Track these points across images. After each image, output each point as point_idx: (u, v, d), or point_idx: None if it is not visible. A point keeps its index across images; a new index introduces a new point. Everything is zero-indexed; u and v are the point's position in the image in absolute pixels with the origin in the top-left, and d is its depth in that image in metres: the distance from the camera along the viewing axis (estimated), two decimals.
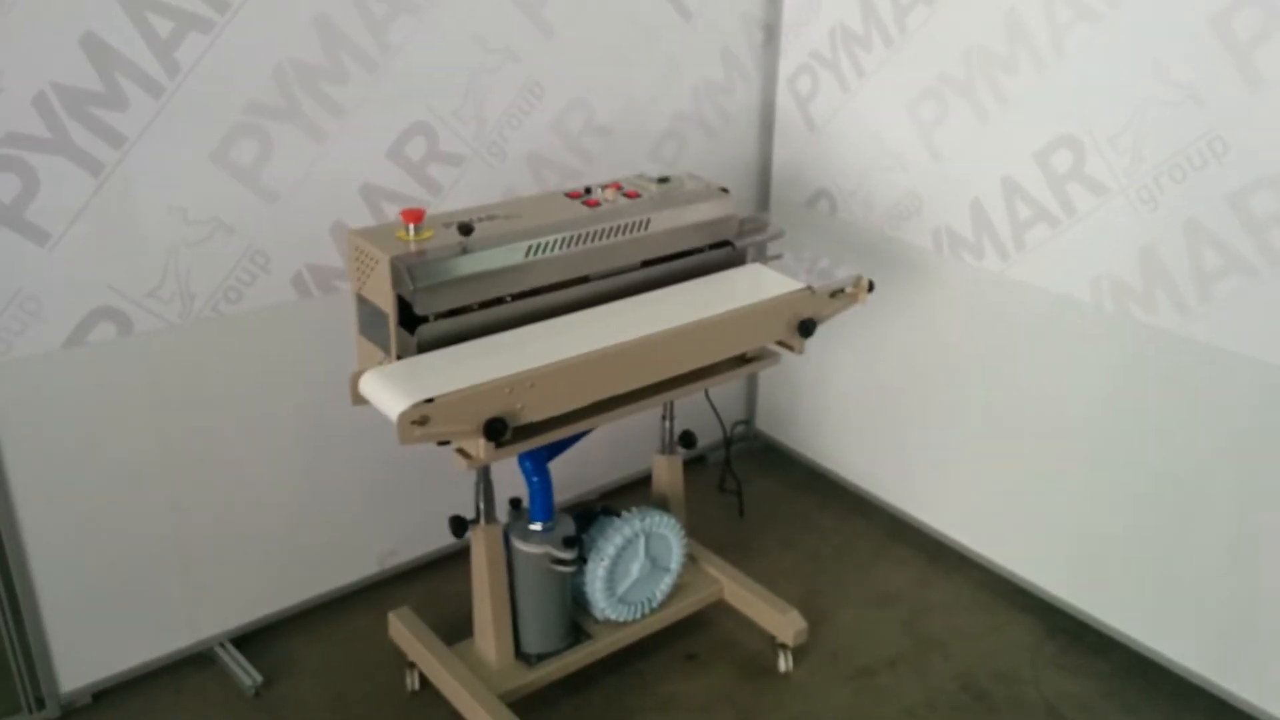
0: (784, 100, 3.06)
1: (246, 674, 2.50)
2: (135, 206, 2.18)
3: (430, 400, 1.83)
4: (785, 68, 3.03)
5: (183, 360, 2.34)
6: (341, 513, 2.69)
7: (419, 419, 1.82)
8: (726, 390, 3.33)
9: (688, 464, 3.33)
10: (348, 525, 2.71)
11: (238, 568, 2.56)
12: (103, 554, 2.36)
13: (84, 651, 2.40)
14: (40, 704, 2.38)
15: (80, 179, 2.10)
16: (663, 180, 2.36)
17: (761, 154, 3.17)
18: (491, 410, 1.91)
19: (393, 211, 2.43)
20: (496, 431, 1.92)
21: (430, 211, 2.48)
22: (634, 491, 3.16)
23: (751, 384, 3.47)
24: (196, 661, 2.56)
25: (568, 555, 2.30)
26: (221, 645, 2.57)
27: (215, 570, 2.52)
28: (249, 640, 2.62)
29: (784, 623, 2.56)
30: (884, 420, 3.08)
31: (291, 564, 2.65)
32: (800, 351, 2.34)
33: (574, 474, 3.04)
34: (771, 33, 3.03)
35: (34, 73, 2.00)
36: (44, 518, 2.25)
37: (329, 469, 2.62)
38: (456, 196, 2.56)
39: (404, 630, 2.48)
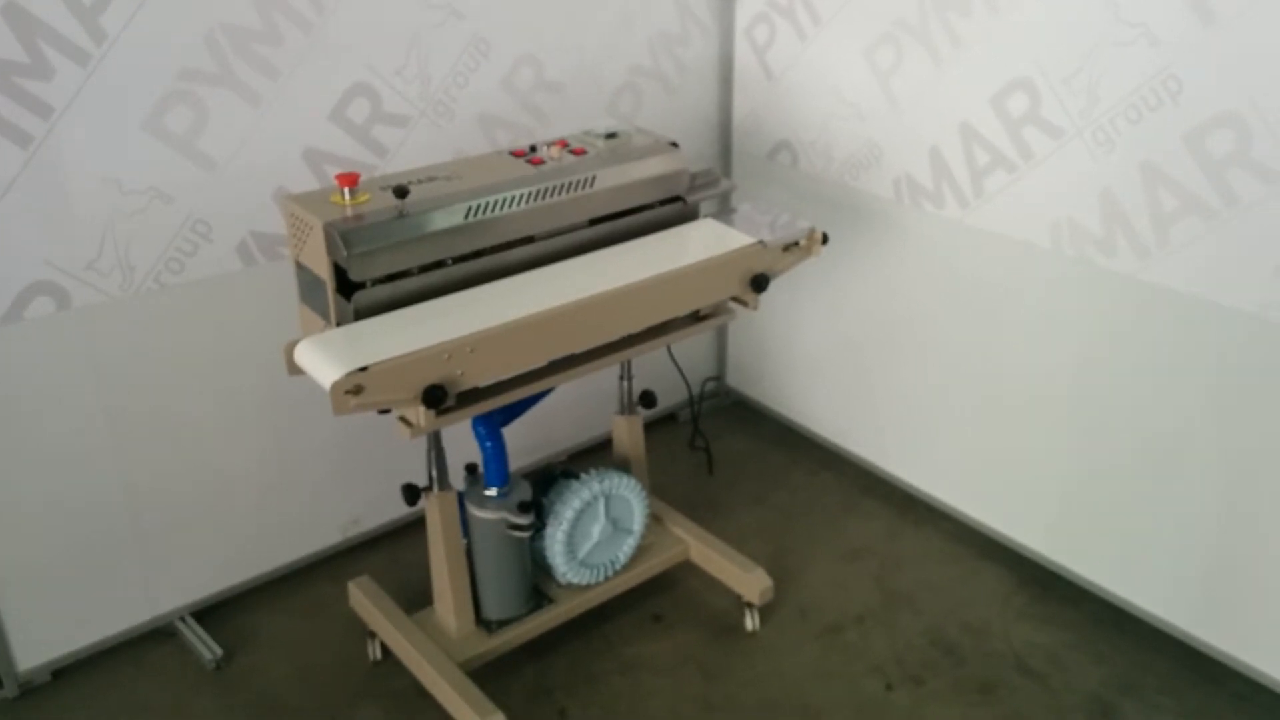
0: (742, 51, 3.00)
1: (207, 648, 2.48)
2: (67, 178, 2.13)
3: (364, 369, 1.79)
4: (742, 18, 2.96)
5: (126, 333, 2.30)
6: (302, 482, 2.66)
7: (353, 388, 1.79)
8: (696, 346, 3.30)
9: (658, 422, 3.33)
10: (309, 495, 2.69)
11: (196, 541, 2.54)
12: (55, 531, 2.33)
13: (41, 629, 2.39)
14: None
15: (8, 151, 2.05)
16: (610, 136, 2.30)
17: (721, 106, 3.11)
18: (430, 377, 1.87)
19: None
20: (436, 399, 1.88)
21: (378, 173, 2.45)
22: (603, 452, 3.12)
23: (721, 339, 3.44)
24: (156, 636, 2.54)
25: (523, 520, 2.28)
26: (182, 619, 2.56)
27: (173, 544, 2.50)
28: (210, 614, 2.61)
29: (750, 581, 2.54)
30: (853, 373, 3.04)
31: (252, 536, 2.63)
32: (754, 307, 2.30)
33: (540, 436, 3.02)
34: None
35: None
36: None
37: (288, 438, 2.59)
38: (404, 158, 2.51)
39: (364, 600, 2.46)
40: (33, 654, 2.39)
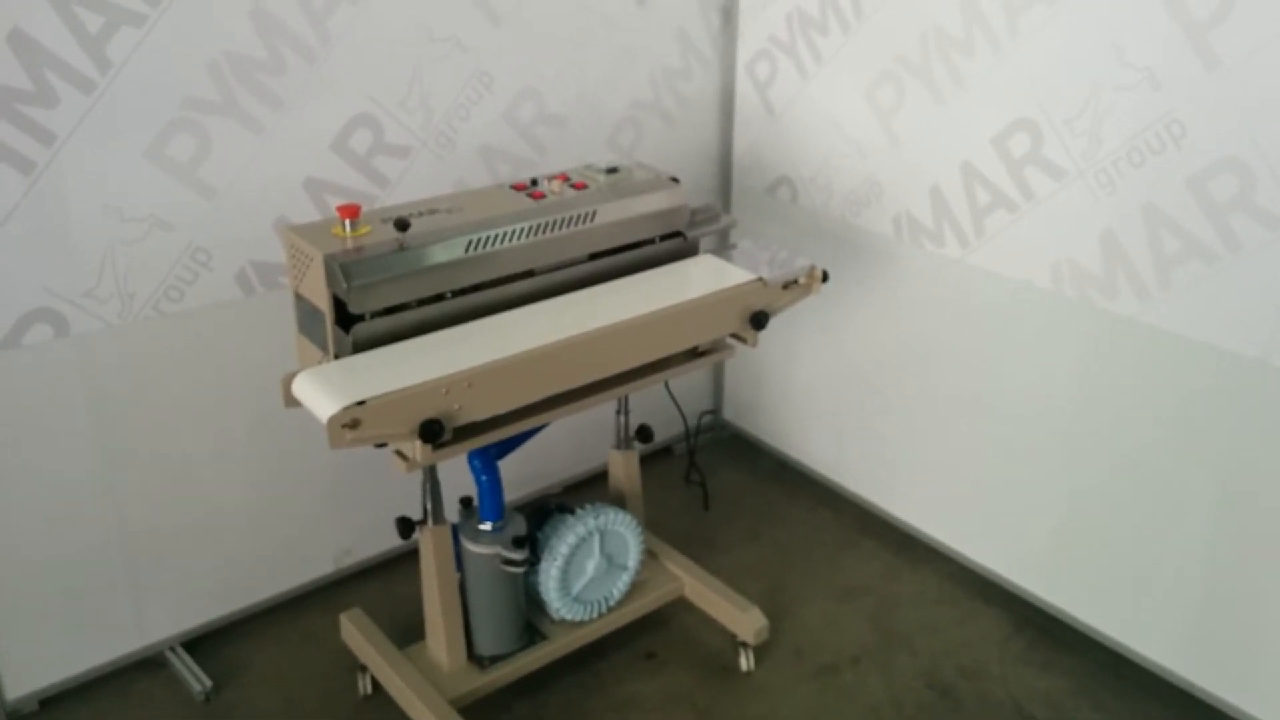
0: (743, 86, 3.01)
1: (196, 679, 2.46)
2: (69, 205, 2.13)
3: (362, 403, 1.78)
4: (744, 53, 2.98)
5: (124, 360, 2.29)
6: (296, 512, 2.64)
7: (350, 422, 1.77)
8: (693, 380, 3.29)
9: (653, 456, 3.31)
10: (302, 524, 2.67)
11: (188, 570, 2.51)
12: (45, 559, 2.31)
13: (30, 658, 2.36)
14: None
15: (10, 178, 2.05)
16: (611, 170, 2.30)
17: (722, 141, 3.12)
18: (427, 411, 1.86)
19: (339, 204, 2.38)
20: (433, 433, 1.87)
21: (379, 204, 2.46)
22: (600, 485, 3.10)
23: (718, 374, 3.43)
24: (146, 667, 2.51)
25: (517, 556, 2.26)
26: (172, 649, 2.53)
27: (165, 573, 2.48)
28: (200, 644, 2.58)
29: (745, 620, 2.52)
30: (852, 410, 3.03)
31: (244, 565, 2.61)
32: (754, 344, 2.29)
33: (537, 468, 3.00)
34: (729, 16, 2.97)
35: None
36: None
37: (282, 466, 2.57)
38: (405, 189, 2.51)
39: (355, 633, 2.44)
40: (21, 683, 2.36)
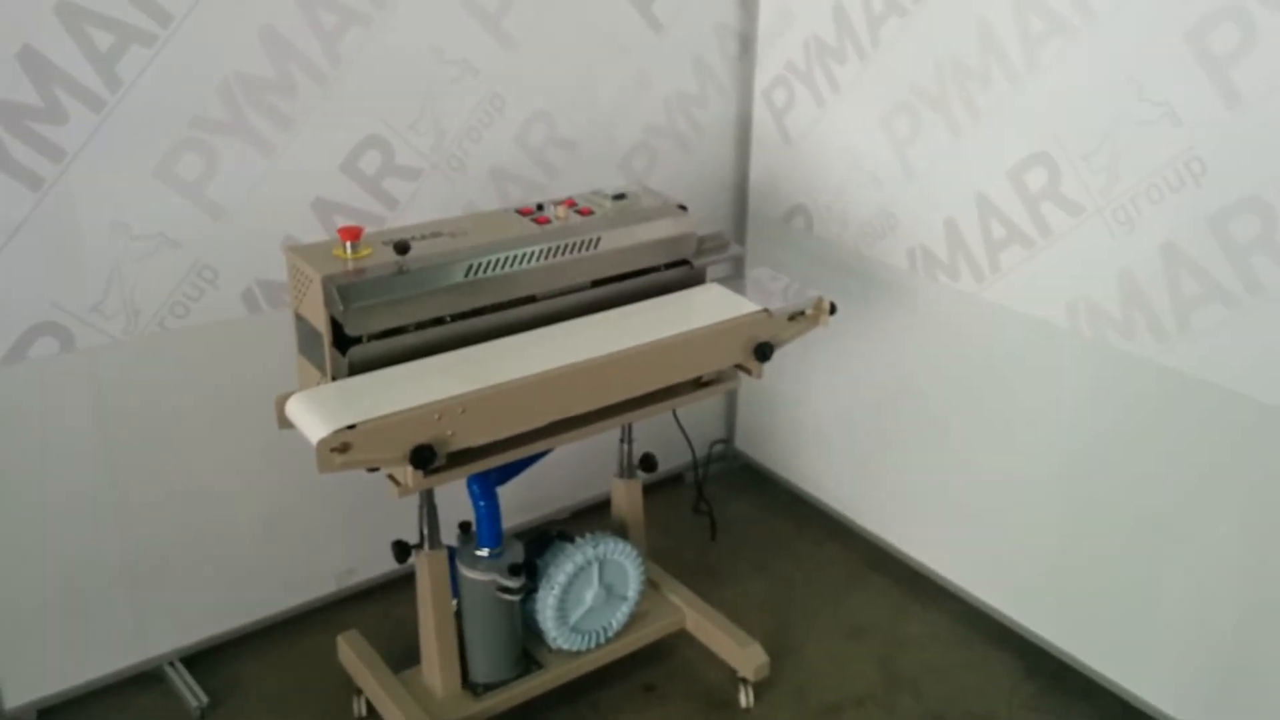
0: (760, 113, 2.98)
1: (194, 695, 2.45)
2: (77, 221, 2.15)
3: (352, 427, 1.77)
4: (761, 79, 2.95)
5: (128, 375, 2.30)
6: (299, 530, 2.64)
7: (339, 446, 1.76)
8: (705, 408, 3.25)
9: (662, 483, 3.28)
10: (306, 543, 2.66)
11: (190, 585, 2.51)
12: (48, 570, 2.32)
13: (29, 668, 2.37)
14: None
15: (18, 193, 2.07)
16: (619, 197, 2.28)
17: (738, 168, 3.09)
18: (419, 437, 1.85)
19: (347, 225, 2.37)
20: (424, 459, 1.85)
21: (388, 225, 2.45)
22: (604, 511, 3.06)
23: (731, 402, 3.39)
24: (144, 680, 2.51)
25: (513, 584, 2.23)
26: (171, 664, 2.53)
27: (167, 587, 2.48)
28: (199, 659, 2.58)
29: (745, 656, 2.47)
30: (863, 443, 2.98)
31: (246, 582, 2.61)
32: (758, 376, 2.26)
33: (540, 494, 2.98)
34: (747, 44, 2.95)
35: None
36: None
37: (287, 484, 2.56)
38: (414, 211, 2.50)
39: (351, 655, 2.42)
40: (19, 693, 2.36)
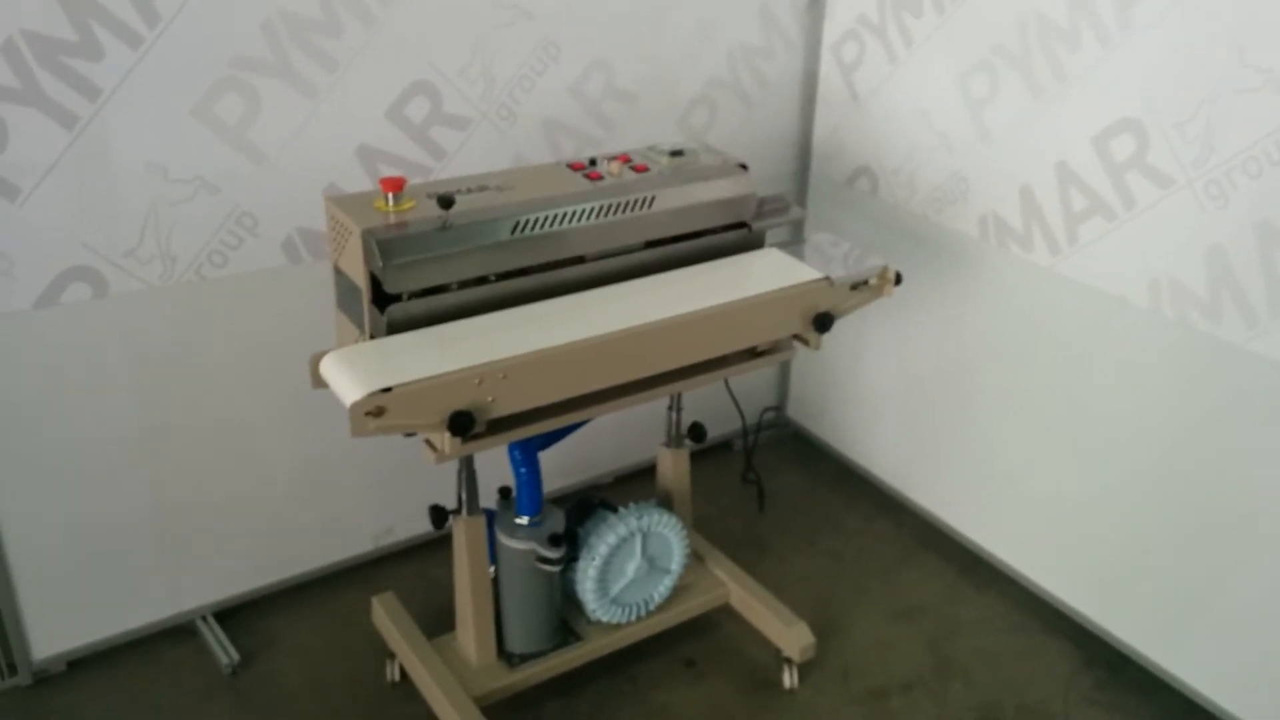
0: (828, 68, 2.83)
1: (225, 652, 2.41)
2: (112, 162, 2.06)
3: (388, 390, 1.68)
4: (830, 33, 2.79)
5: (164, 324, 2.23)
6: (337, 487, 2.58)
7: (374, 410, 1.68)
8: (757, 375, 3.14)
9: (711, 450, 3.18)
10: (344, 500, 2.61)
11: (224, 540, 2.47)
12: (79, 521, 2.28)
13: (60, 619, 2.34)
14: (12, 670, 2.32)
15: (53, 132, 1.99)
16: (676, 153, 2.16)
17: (802, 126, 2.95)
18: (458, 402, 1.76)
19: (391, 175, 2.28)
20: (463, 426, 1.76)
21: (434, 176, 2.35)
22: (648, 478, 2.97)
23: (784, 369, 3.27)
24: (176, 635, 2.48)
25: (553, 554, 2.15)
26: (204, 619, 2.49)
27: (200, 542, 2.44)
28: (232, 615, 2.54)
29: (791, 636, 2.39)
30: (921, 416, 2.86)
31: (282, 539, 2.56)
32: (816, 347, 2.14)
33: (582, 458, 2.90)
34: None
35: (2, 19, 1.88)
36: (13, 482, 2.18)
37: (325, 440, 2.49)
38: (462, 161, 2.40)
39: (385, 618, 2.36)
40: (50, 643, 2.34)
